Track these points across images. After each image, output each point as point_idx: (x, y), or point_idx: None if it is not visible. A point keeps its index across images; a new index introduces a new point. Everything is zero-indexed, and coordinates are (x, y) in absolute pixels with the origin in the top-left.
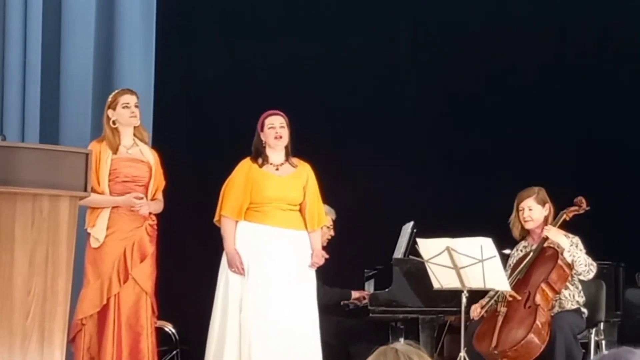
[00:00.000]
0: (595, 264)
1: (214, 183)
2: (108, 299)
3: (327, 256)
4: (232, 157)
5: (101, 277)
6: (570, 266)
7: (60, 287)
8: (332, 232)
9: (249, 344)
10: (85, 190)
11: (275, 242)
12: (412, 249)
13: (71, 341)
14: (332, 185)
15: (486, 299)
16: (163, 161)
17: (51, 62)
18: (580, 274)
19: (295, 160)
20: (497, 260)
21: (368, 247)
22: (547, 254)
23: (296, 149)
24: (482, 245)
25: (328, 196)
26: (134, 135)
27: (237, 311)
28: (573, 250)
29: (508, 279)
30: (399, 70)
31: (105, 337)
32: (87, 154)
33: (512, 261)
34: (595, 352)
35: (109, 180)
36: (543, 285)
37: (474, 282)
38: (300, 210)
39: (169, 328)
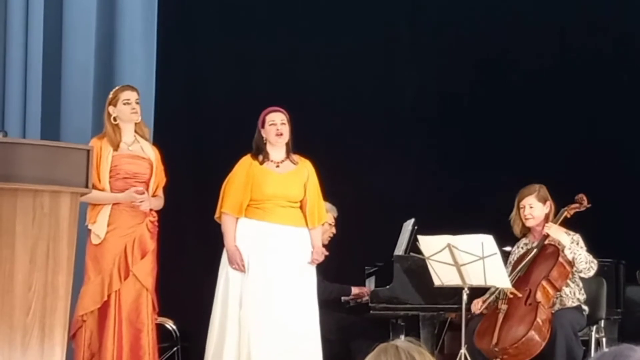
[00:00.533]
0: (596, 262)
1: (215, 180)
2: (109, 296)
3: (326, 253)
4: (233, 154)
5: (102, 274)
6: (571, 264)
7: (61, 283)
8: (333, 230)
9: (249, 341)
10: (87, 186)
11: (276, 239)
12: (413, 246)
13: (72, 337)
14: (333, 183)
15: (487, 295)
16: (164, 158)
17: (52, 59)
18: (581, 272)
19: (296, 157)
20: (498, 257)
21: (369, 244)
22: (548, 252)
23: (296, 146)
24: (483, 243)
25: (328, 193)
26: (135, 131)
27: (237, 308)
28: (574, 247)
29: (509, 276)
30: (398, 67)
31: (106, 334)
32: (88, 151)
33: (512, 258)
34: (596, 349)
35: (110, 177)
36: (544, 283)
37: (475, 279)
38: (301, 207)
39: (170, 324)
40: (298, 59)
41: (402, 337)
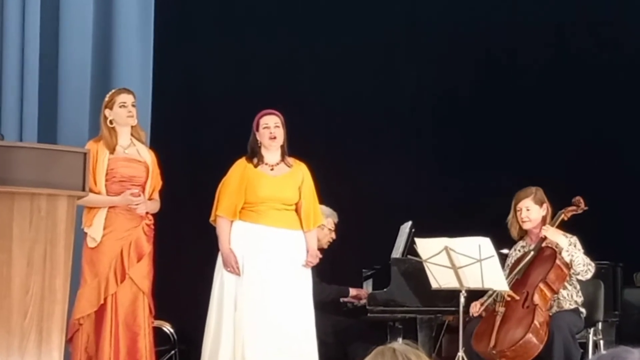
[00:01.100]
0: (593, 264)
1: (212, 182)
2: (105, 299)
3: (320, 256)
4: (231, 157)
5: (98, 277)
6: (569, 266)
7: (59, 286)
8: (333, 235)
9: (243, 343)
10: (84, 189)
11: (269, 242)
12: (410, 248)
13: (69, 341)
14: (330, 185)
15: (485, 297)
16: (160, 160)
17: (49, 61)
18: (578, 274)
19: (290, 160)
20: (496, 260)
21: (366, 247)
22: (545, 254)
23: (293, 148)
24: (481, 245)
25: (326, 195)
26: (131, 134)
27: (232, 310)
28: (571, 250)
29: (506, 278)
30: (398, 68)
31: (102, 337)
32: (85, 154)
33: (510, 261)
34: (594, 352)
35: (106, 180)
36: (541, 285)
37: (472, 281)
38: (296, 210)
39: (168, 328)
40: (296, 60)
41: (400, 340)
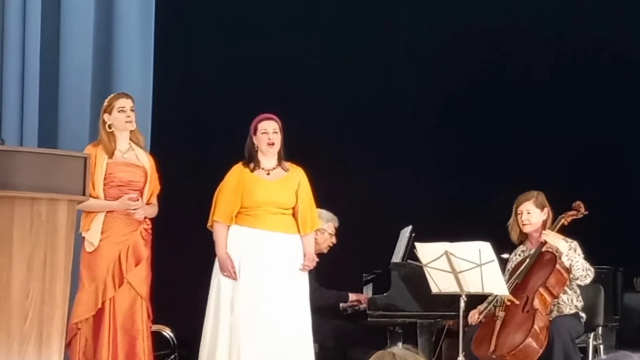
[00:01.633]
0: (592, 269)
1: (211, 187)
2: (103, 303)
3: (317, 260)
4: (230, 161)
5: (96, 281)
6: (569, 270)
7: (58, 290)
8: (333, 240)
9: (239, 347)
10: (84, 194)
11: (266, 246)
12: (410, 253)
13: (67, 345)
14: (330, 189)
15: (484, 305)
16: (160, 165)
17: (50, 66)
18: (577, 279)
19: (287, 164)
20: (496, 264)
21: (366, 251)
22: (545, 258)
23: (293, 152)
24: (481, 250)
25: (326, 200)
26: (130, 139)
27: (229, 313)
28: (571, 254)
29: (506, 283)
30: (398, 70)
31: (100, 341)
32: (85, 158)
33: (510, 265)
34: (594, 356)
35: (104, 185)
36: (541, 290)
37: (473, 286)
38: (293, 214)
39: (167, 332)
40: (296, 63)
41: (400, 344)
